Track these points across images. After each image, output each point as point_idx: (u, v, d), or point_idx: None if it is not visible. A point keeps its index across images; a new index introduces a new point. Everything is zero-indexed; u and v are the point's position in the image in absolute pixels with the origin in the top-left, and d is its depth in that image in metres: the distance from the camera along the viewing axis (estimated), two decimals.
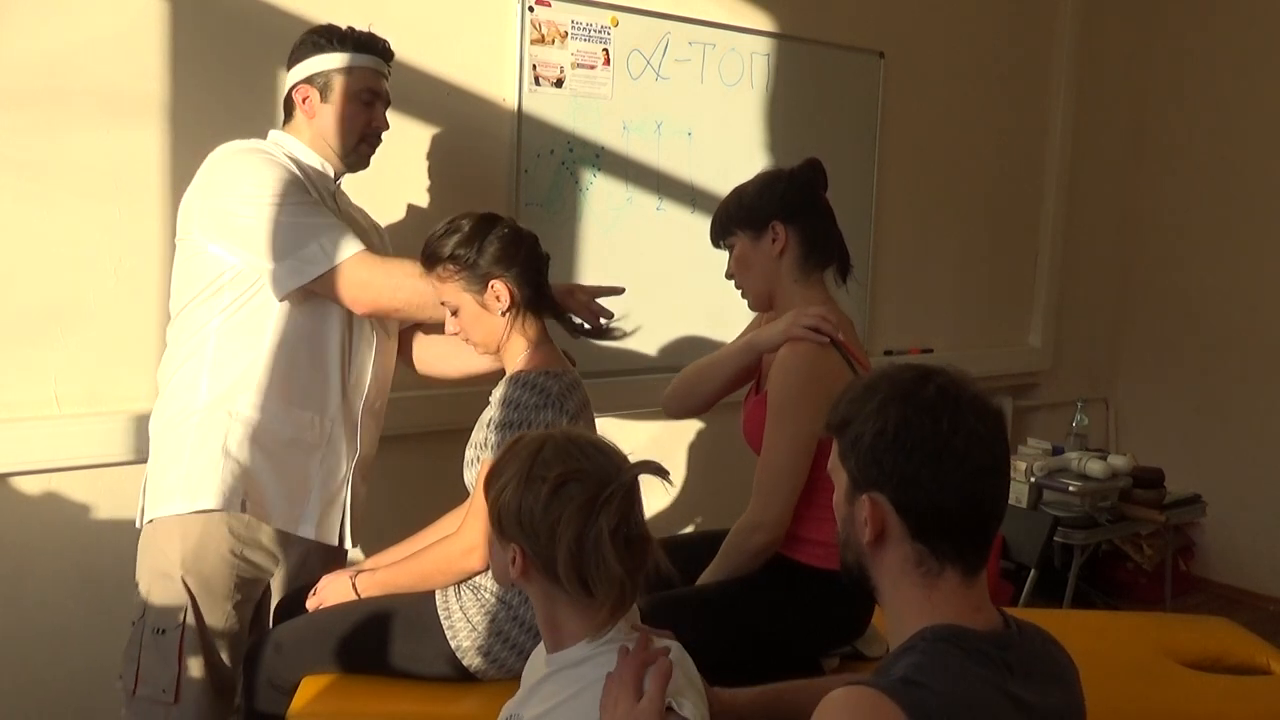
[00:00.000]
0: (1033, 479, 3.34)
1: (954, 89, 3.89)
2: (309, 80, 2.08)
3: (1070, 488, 3.33)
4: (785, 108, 3.33)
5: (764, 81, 3.28)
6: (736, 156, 3.18)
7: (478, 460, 1.98)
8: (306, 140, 2.09)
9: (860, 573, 1.26)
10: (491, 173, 2.77)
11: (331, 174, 2.12)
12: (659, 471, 1.32)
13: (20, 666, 2.22)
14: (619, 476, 1.27)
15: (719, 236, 2.11)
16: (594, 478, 1.27)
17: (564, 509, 1.25)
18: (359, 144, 2.12)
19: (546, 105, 2.82)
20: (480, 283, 1.98)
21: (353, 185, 2.53)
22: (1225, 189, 4.39)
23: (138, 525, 2.01)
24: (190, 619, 1.95)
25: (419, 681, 1.90)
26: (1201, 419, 4.47)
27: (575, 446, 1.31)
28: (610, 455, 1.31)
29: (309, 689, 1.88)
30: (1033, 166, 4.27)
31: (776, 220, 2.03)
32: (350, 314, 2.05)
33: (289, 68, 2.09)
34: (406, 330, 2.31)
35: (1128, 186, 4.64)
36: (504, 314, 1.99)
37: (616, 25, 2.92)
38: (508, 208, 2.75)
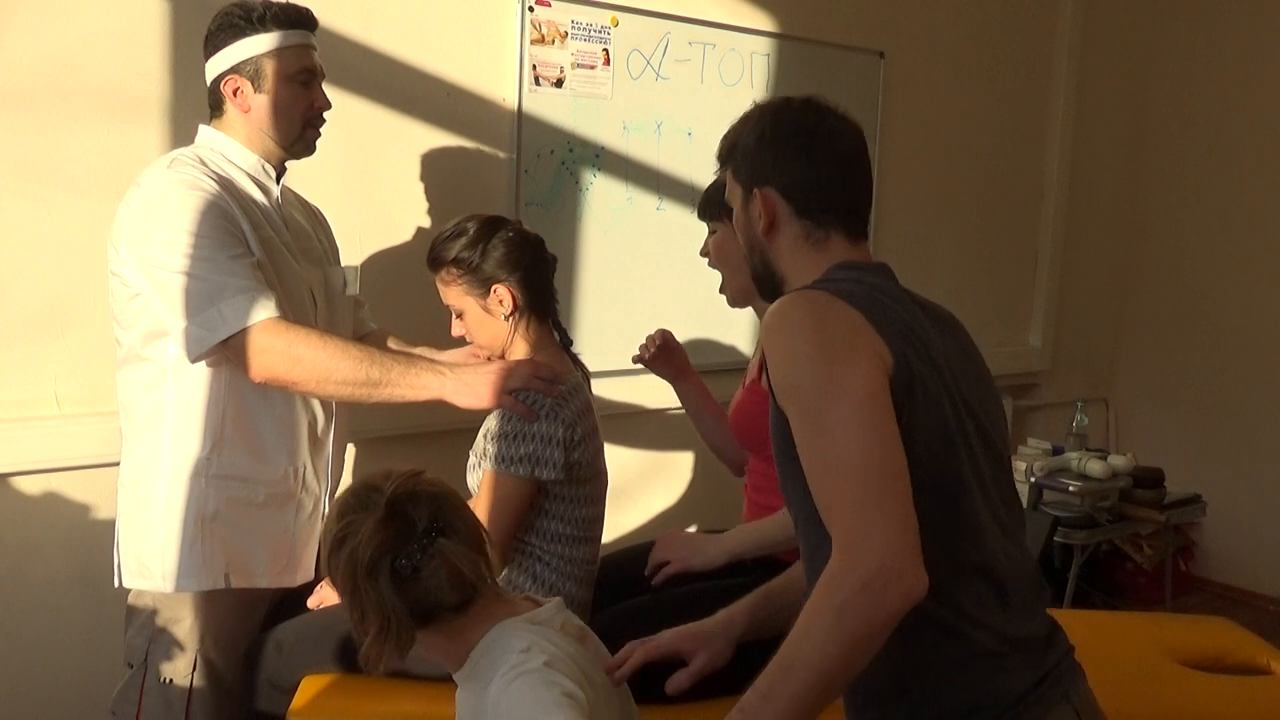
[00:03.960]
0: (1033, 479, 3.34)
1: (954, 89, 3.89)
2: (236, 69, 1.89)
3: (1070, 488, 3.33)
4: None
5: (764, 81, 3.28)
6: None
7: (479, 466, 1.98)
8: (242, 137, 1.92)
9: (767, 270, 1.43)
10: (491, 173, 2.77)
11: (273, 172, 1.96)
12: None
13: (20, 666, 2.22)
14: (365, 519, 1.33)
15: (709, 215, 2.12)
16: (355, 529, 1.33)
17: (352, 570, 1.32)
18: (304, 130, 1.96)
19: (546, 105, 2.82)
20: (483, 286, 1.98)
21: (353, 186, 2.54)
22: (1226, 189, 4.39)
23: (117, 584, 1.93)
24: (200, 677, 1.90)
25: (419, 681, 1.90)
26: (1201, 419, 4.47)
27: (342, 504, 1.37)
28: (365, 497, 1.35)
29: (309, 689, 1.88)
30: (1033, 167, 4.27)
31: None
32: None
33: (208, 56, 1.92)
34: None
35: (1128, 186, 4.64)
36: (507, 318, 1.99)
37: (616, 25, 2.92)
38: (508, 208, 2.75)
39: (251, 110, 1.91)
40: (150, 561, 1.87)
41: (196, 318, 1.77)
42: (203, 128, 1.95)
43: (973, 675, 1.24)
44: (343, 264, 2.16)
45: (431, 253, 2.01)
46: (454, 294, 2.01)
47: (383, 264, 2.60)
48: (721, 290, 2.14)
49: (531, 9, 2.76)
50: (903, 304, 1.33)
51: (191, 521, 1.85)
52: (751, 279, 1.47)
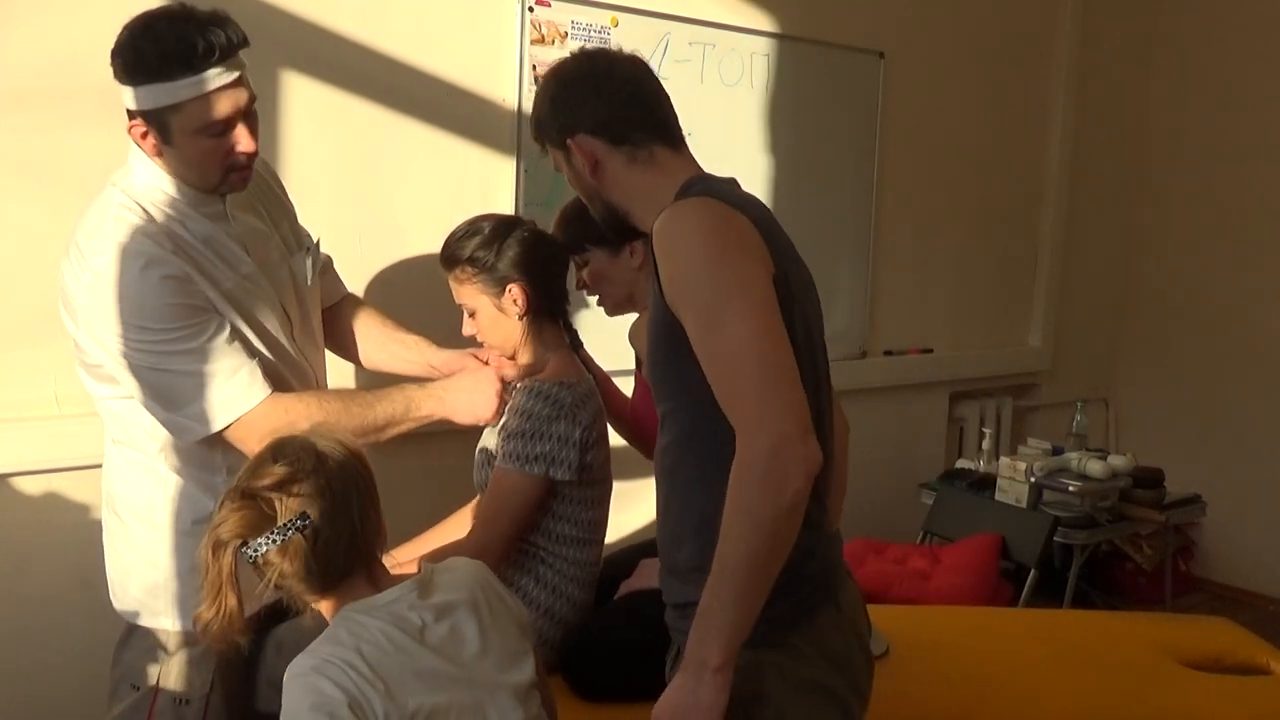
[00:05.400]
0: (1033, 479, 3.34)
1: (954, 89, 3.89)
2: (141, 115, 1.65)
3: (1070, 488, 3.33)
4: (785, 108, 3.33)
5: (764, 81, 3.28)
6: (736, 156, 3.17)
7: (489, 463, 1.99)
8: (170, 170, 1.73)
9: (611, 211, 1.51)
10: (491, 173, 2.77)
11: (216, 193, 1.78)
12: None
13: (20, 666, 2.22)
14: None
15: (571, 251, 2.11)
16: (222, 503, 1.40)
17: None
18: (226, 175, 1.73)
19: None
20: (498, 285, 1.98)
21: (353, 186, 2.54)
22: (1226, 189, 4.39)
23: (117, 607, 1.90)
24: (217, 696, 1.86)
25: None
26: (1201, 419, 4.47)
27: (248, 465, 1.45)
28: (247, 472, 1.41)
29: None
30: (1033, 166, 4.27)
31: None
32: (280, 381, 1.82)
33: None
34: (344, 325, 2.15)
35: (1128, 186, 4.64)
36: (520, 318, 1.99)
37: (616, 25, 2.92)
38: (508, 208, 2.75)
39: (164, 156, 1.71)
40: (159, 604, 1.85)
41: (185, 410, 1.71)
42: (134, 152, 1.74)
43: (813, 561, 1.39)
44: (298, 222, 2.05)
45: (446, 250, 2.01)
46: (467, 293, 2.00)
47: (383, 264, 2.60)
48: (600, 304, 2.16)
49: (531, 9, 2.76)
50: (772, 216, 1.44)
51: (193, 569, 1.82)
52: (604, 227, 1.57)
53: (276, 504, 1.35)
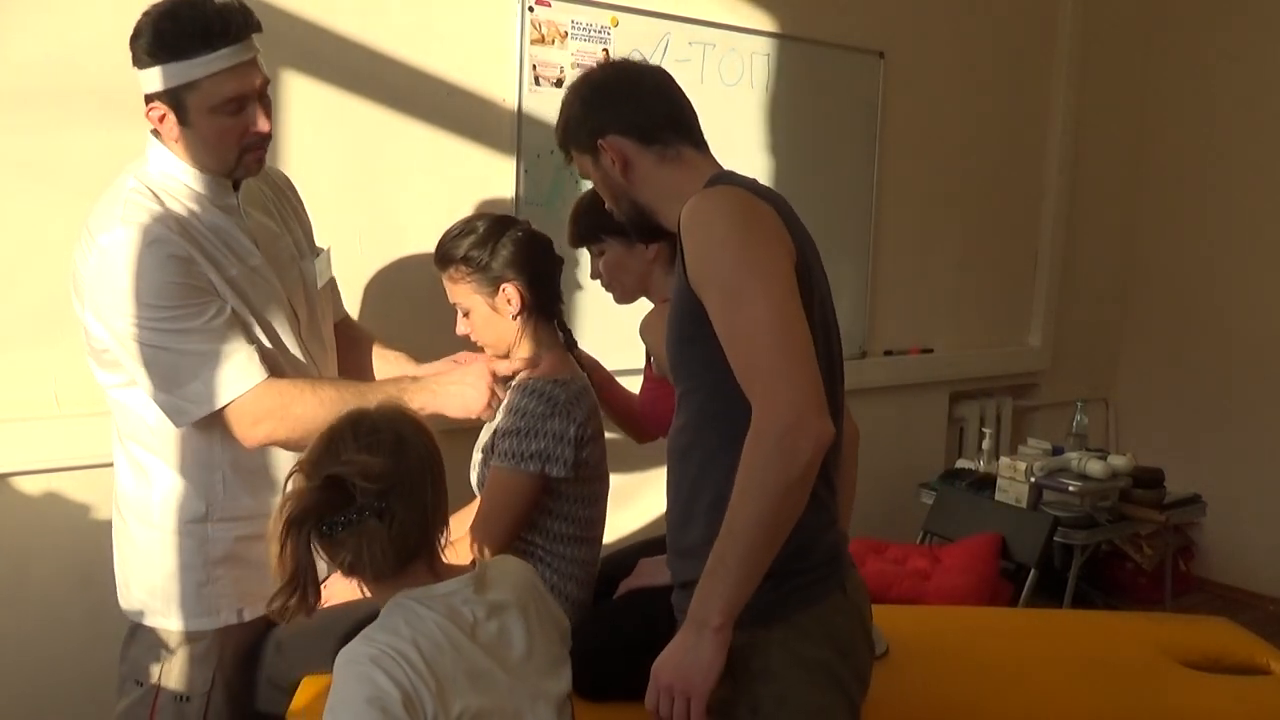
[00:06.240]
0: (1033, 479, 3.34)
1: (954, 89, 3.89)
2: (156, 97, 1.70)
3: (1070, 488, 3.33)
4: (785, 108, 3.33)
5: (764, 81, 3.28)
6: (736, 156, 3.15)
7: (486, 463, 1.98)
8: (186, 158, 1.77)
9: (638, 210, 1.56)
10: (491, 173, 2.77)
11: (229, 183, 1.82)
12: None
13: (20, 666, 2.22)
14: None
15: (587, 241, 2.10)
16: (297, 480, 1.35)
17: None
18: (242, 156, 1.77)
19: (546, 105, 2.81)
20: (492, 285, 1.98)
21: (353, 186, 2.54)
22: (1227, 189, 4.39)
23: (122, 605, 1.91)
24: (218, 693, 1.88)
25: None
26: (1201, 419, 4.47)
27: (322, 438, 1.40)
28: (327, 448, 1.36)
29: (310, 688, 1.88)
30: (1033, 166, 4.27)
31: None
32: (278, 372, 1.81)
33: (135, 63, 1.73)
34: (342, 347, 2.15)
35: (1128, 186, 4.64)
36: (515, 317, 1.99)
37: (616, 25, 2.92)
38: (508, 208, 2.76)
39: (180, 139, 1.74)
40: (158, 604, 1.86)
41: (179, 391, 1.72)
42: (151, 143, 1.80)
43: (822, 544, 1.45)
44: (314, 238, 2.08)
45: (440, 250, 2.01)
46: (461, 292, 2.01)
47: (383, 264, 2.60)
48: (609, 290, 2.14)
49: (531, 9, 2.76)
50: (793, 210, 1.50)
51: (199, 566, 1.83)
52: (630, 227, 1.62)
53: (355, 485, 1.30)
